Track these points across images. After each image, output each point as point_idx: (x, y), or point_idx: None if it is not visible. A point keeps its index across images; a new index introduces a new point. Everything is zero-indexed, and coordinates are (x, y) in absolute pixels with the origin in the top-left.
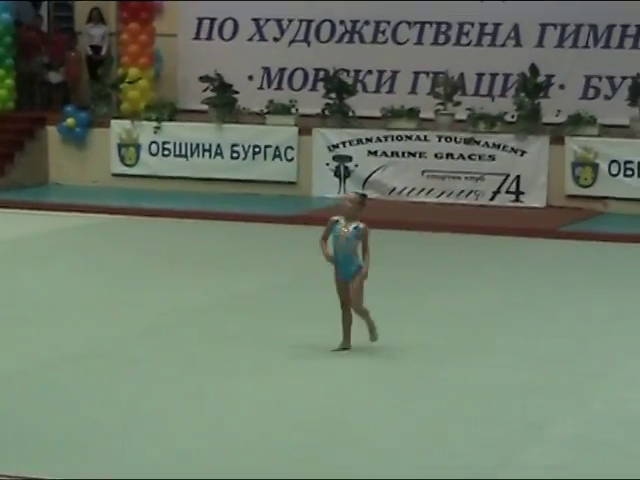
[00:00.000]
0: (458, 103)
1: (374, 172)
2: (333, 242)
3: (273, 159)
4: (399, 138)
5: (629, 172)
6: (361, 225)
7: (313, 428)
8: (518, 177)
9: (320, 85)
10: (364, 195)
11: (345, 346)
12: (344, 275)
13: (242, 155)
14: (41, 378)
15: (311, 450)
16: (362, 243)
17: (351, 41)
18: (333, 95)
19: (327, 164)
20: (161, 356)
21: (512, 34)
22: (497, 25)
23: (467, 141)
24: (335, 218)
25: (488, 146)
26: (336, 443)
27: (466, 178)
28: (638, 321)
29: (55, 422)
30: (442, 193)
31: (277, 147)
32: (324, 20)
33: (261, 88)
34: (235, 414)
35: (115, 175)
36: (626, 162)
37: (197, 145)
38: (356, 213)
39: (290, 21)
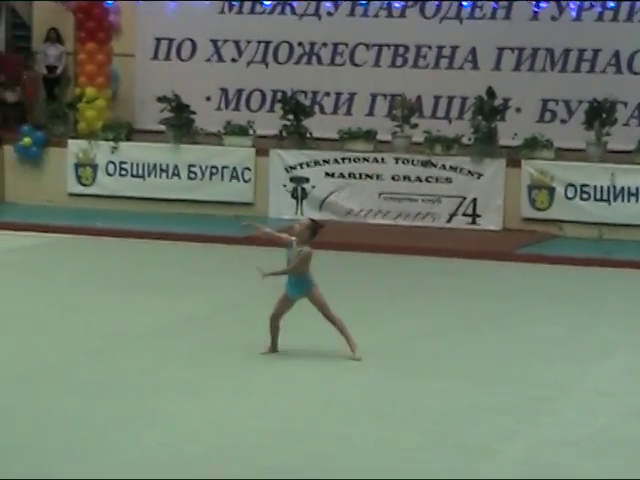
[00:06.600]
0: (415, 125)
1: (331, 194)
2: (286, 262)
3: (230, 180)
4: (356, 160)
5: (585, 196)
6: (305, 249)
7: (255, 449)
8: (474, 200)
9: (277, 106)
10: (313, 221)
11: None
12: (294, 293)
13: (199, 176)
14: None
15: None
16: (296, 261)
17: (309, 63)
18: (290, 116)
19: (284, 185)
20: (110, 377)
21: (469, 57)
22: (454, 48)
23: (424, 163)
24: (293, 239)
25: (445, 169)
26: (261, 467)
27: (423, 200)
28: (587, 344)
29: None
30: (399, 215)
31: (234, 168)
32: (282, 41)
33: (218, 109)
34: (184, 433)
35: (72, 195)
36: (582, 186)
37: (154, 165)
38: (305, 237)
39: (248, 42)
